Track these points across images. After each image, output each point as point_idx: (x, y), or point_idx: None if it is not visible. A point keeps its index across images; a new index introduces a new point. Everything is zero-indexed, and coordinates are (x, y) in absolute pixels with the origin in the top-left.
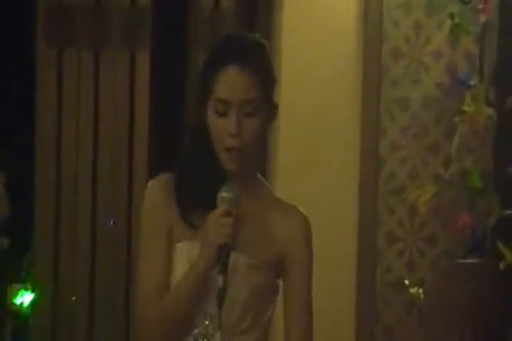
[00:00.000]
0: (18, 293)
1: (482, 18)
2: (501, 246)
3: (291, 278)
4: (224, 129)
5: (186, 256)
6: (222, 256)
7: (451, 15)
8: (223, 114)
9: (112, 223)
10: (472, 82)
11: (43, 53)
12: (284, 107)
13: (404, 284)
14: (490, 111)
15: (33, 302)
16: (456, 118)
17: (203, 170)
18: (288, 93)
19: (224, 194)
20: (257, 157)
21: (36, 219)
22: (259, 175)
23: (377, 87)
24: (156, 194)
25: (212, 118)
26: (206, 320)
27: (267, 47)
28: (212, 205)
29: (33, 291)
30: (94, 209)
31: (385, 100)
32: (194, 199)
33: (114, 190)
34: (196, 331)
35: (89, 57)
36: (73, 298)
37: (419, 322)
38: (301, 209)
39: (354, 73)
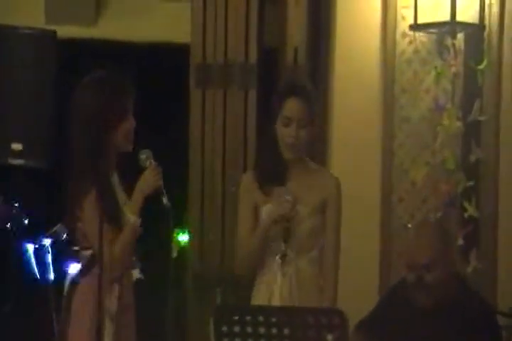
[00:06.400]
0: (178, 234)
1: (453, 69)
2: (464, 203)
3: (328, 215)
4: (287, 134)
5: (264, 213)
6: (283, 223)
7: (435, 67)
8: (286, 125)
9: (233, 187)
10: (448, 106)
11: (194, 92)
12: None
13: (408, 226)
14: (458, 123)
15: (188, 241)
16: (438, 128)
17: (271, 159)
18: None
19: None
20: (305, 150)
21: (190, 183)
22: (306, 159)
23: (392, 108)
24: (245, 181)
25: (280, 128)
26: (283, 244)
27: (311, 87)
28: (277, 181)
29: (188, 233)
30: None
31: (397, 118)
32: (267, 177)
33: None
34: (281, 249)
35: (220, 94)
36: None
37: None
38: (333, 173)
39: (376, 100)
